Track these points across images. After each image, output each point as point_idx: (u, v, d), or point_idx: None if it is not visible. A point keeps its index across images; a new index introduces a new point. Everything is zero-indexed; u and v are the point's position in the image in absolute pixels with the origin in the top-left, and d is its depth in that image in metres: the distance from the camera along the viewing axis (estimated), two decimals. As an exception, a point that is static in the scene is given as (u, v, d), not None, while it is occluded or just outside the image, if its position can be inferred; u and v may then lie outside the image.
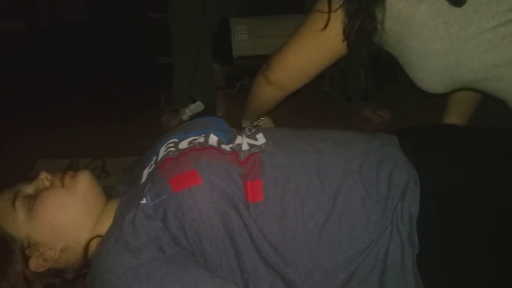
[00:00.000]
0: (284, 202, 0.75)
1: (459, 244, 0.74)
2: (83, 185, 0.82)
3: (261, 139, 0.85)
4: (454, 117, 1.30)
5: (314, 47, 0.97)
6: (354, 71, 0.99)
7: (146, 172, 0.85)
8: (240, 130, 0.92)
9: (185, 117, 1.91)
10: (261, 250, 0.73)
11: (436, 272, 0.73)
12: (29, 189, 0.82)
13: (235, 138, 0.87)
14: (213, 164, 0.77)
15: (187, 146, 0.84)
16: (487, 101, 1.06)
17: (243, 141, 0.85)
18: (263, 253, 0.73)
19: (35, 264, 0.78)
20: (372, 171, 0.78)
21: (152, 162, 0.86)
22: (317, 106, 2.11)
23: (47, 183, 0.82)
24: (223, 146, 0.84)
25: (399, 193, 0.76)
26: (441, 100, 2.05)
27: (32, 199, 0.79)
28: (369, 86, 1.76)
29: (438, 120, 1.35)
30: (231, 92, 2.33)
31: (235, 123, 1.06)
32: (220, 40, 2.33)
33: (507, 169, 0.80)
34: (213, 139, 0.86)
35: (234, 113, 2.14)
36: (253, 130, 0.89)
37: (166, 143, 0.87)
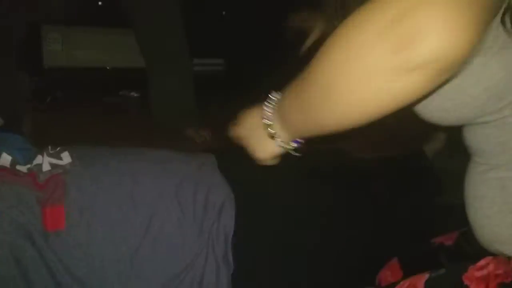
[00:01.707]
0: (91, 228, 0.68)
1: (271, 259, 0.77)
2: None
3: (66, 158, 0.76)
4: None
5: None
6: None
7: None
8: (42, 148, 0.80)
9: (-22, 133, 1.63)
10: (62, 285, 0.64)
11: (250, 290, 0.74)
12: None
13: (34, 157, 0.75)
14: (2, 188, 0.65)
15: None
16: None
17: (44, 161, 0.74)
18: None
19: None
20: (189, 192, 0.76)
21: None
22: (139, 121, 2.05)
23: None
24: (18, 167, 0.72)
25: (215, 214, 0.75)
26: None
27: None
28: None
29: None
30: (40, 107, 2.09)
31: (43, 141, 0.90)
32: (29, 48, 2.09)
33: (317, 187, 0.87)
34: (5, 158, 0.73)
35: (43, 130, 1.93)
36: (58, 149, 0.78)
37: None
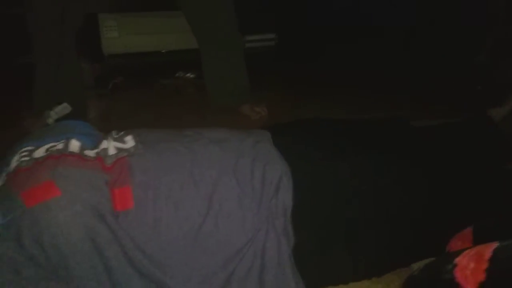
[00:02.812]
0: (156, 207, 0.71)
1: (330, 232, 0.78)
2: None
3: (130, 142, 0.79)
4: None
5: None
6: None
7: None
8: (107, 133, 0.85)
9: (49, 120, 1.74)
10: (135, 261, 0.68)
11: (311, 262, 0.75)
12: None
13: (100, 142, 0.80)
14: (73, 173, 0.70)
15: (43, 154, 0.75)
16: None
17: (110, 145, 0.78)
18: (137, 264, 0.68)
19: None
20: (247, 169, 0.78)
21: (3, 174, 0.75)
22: (195, 102, 2.10)
23: None
24: (87, 152, 0.77)
25: (272, 190, 0.76)
26: (311, 94, 2.19)
27: None
28: None
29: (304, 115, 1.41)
30: (102, 93, 2.19)
31: (107, 126, 0.95)
32: (88, 37, 2.18)
33: (370, 160, 0.86)
34: (74, 144, 0.77)
35: (107, 115, 2.03)
36: (121, 133, 0.83)
37: (19, 152, 0.77)
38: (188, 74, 2.39)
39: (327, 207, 0.79)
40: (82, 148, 0.77)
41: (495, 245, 0.62)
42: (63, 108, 1.77)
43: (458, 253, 0.65)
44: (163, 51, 2.58)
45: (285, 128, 0.98)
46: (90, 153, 0.77)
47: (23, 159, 0.74)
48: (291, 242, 0.75)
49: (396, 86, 2.27)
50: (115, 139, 0.80)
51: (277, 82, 2.46)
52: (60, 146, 0.76)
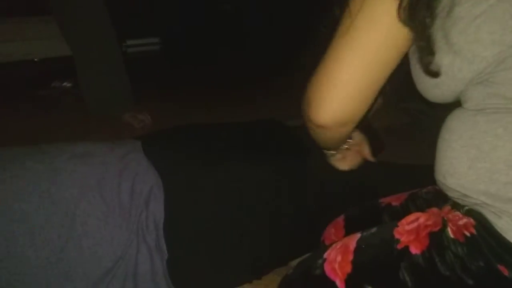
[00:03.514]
0: (8, 235, 0.64)
1: (208, 241, 0.76)
2: None
3: None
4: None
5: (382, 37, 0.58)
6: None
7: None
8: None
9: None
10: None
11: (186, 274, 0.73)
12: None
13: None
14: None
15: None
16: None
17: None
18: None
19: None
20: (113, 183, 0.73)
21: None
22: (75, 112, 1.97)
23: None
24: None
25: (142, 202, 0.73)
26: (196, 99, 2.17)
27: None
28: None
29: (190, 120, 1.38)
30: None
31: None
32: None
33: (245, 162, 0.86)
34: None
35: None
36: None
37: None
38: (64, 83, 2.24)
39: (203, 216, 0.77)
40: None
41: (358, 235, 0.65)
42: None
43: (327, 247, 0.67)
44: (35, 59, 2.38)
45: (158, 137, 0.94)
46: None
47: None
48: (165, 256, 0.72)
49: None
50: None
51: (162, 87, 2.40)
52: None
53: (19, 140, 1.61)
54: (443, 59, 0.56)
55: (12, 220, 0.65)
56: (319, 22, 0.75)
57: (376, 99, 0.66)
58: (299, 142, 1.08)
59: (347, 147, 0.90)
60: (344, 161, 0.89)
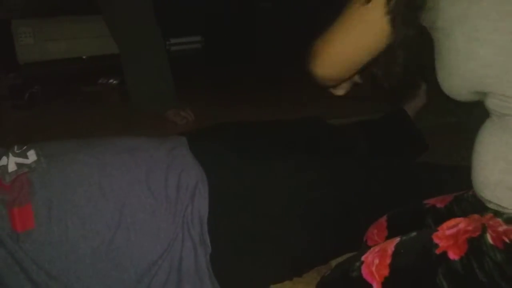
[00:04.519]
0: (61, 224, 0.67)
1: (248, 238, 0.77)
2: None
3: (32, 156, 0.74)
4: None
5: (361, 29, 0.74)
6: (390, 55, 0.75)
7: None
8: (8, 148, 0.79)
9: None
10: (40, 284, 0.64)
11: (229, 270, 0.74)
12: None
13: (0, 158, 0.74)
14: None
15: None
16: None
17: (10, 161, 0.73)
18: (41, 287, 0.64)
19: None
20: (160, 177, 0.75)
21: None
22: (119, 109, 2.03)
23: None
24: None
25: (188, 196, 0.75)
26: (238, 97, 2.19)
27: None
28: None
29: (233, 118, 1.40)
30: (18, 104, 2.06)
31: (25, 138, 0.86)
32: (1, 46, 2.05)
33: (289, 160, 0.87)
34: None
35: (24, 127, 1.91)
36: (24, 147, 0.77)
37: None
38: (111, 80, 2.31)
39: (245, 213, 0.78)
40: None
41: (397, 240, 0.65)
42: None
43: (368, 248, 0.67)
44: (83, 57, 2.48)
45: (203, 133, 0.96)
46: None
47: None
48: (209, 251, 0.73)
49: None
50: (16, 155, 0.75)
51: (204, 85, 2.44)
52: None
53: (70, 133, 1.69)
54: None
55: (65, 211, 0.68)
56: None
57: (358, 72, 0.86)
58: (343, 140, 1.08)
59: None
60: (340, 88, 0.98)
